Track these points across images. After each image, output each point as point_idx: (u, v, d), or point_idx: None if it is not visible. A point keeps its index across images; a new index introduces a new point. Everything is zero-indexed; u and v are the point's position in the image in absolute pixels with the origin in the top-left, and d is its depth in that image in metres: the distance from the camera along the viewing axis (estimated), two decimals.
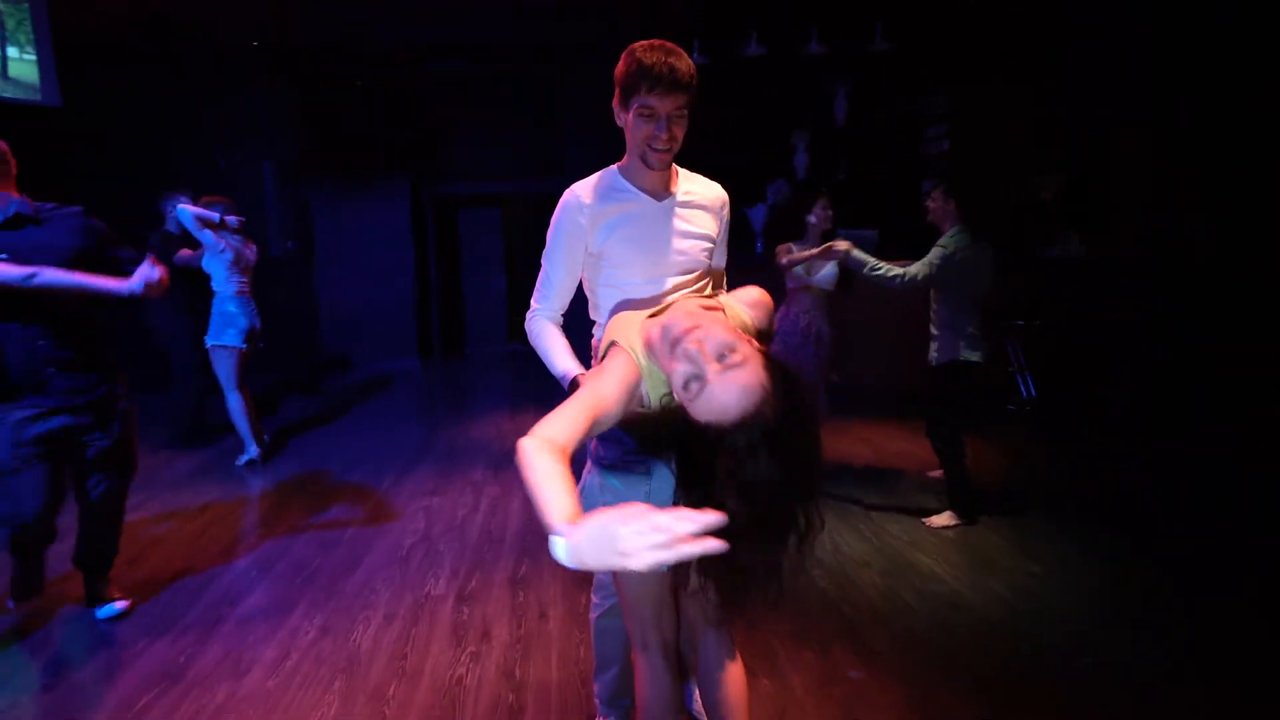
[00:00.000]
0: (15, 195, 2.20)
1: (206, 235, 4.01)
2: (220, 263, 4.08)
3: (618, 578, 1.47)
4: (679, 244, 1.54)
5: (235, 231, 4.14)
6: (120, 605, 2.57)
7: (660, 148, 1.44)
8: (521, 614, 2.59)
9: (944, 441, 3.33)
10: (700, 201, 1.58)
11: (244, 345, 4.14)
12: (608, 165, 1.58)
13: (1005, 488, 3.62)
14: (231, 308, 4.09)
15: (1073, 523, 3.32)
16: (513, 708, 2.06)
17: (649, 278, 1.52)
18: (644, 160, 1.48)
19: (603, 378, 1.21)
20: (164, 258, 4.18)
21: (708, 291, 1.59)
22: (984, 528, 3.26)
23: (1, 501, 2.18)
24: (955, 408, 3.34)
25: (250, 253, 4.25)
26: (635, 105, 1.43)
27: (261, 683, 2.18)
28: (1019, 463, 4.21)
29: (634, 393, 1.22)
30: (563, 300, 1.60)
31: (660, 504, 1.20)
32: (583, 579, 2.75)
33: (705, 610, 1.49)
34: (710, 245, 1.60)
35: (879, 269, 3.17)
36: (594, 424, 1.13)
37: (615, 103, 1.49)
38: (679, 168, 1.60)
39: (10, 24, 5.07)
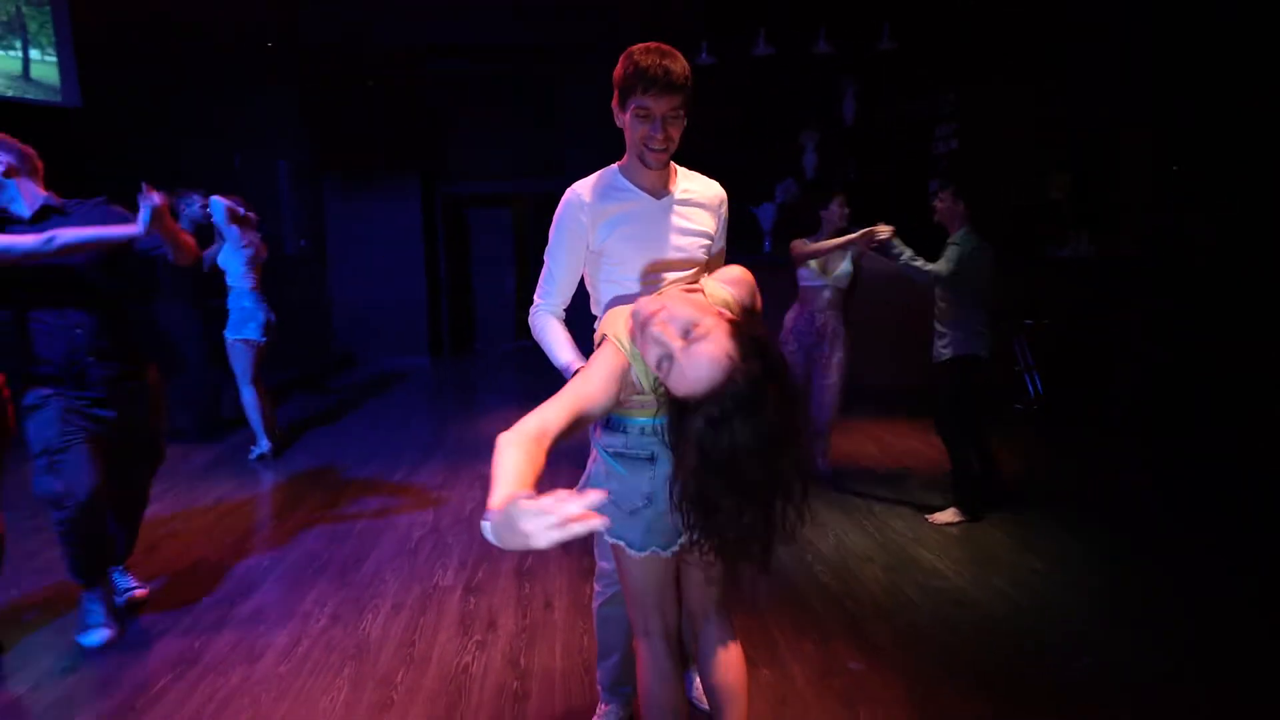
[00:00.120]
0: (42, 191, 2.27)
1: (233, 230, 4.10)
2: (240, 258, 4.16)
3: (620, 566, 1.50)
4: (677, 241, 1.58)
5: (254, 228, 4.24)
6: (138, 593, 2.64)
7: (657, 148, 1.48)
8: (527, 604, 2.64)
9: (951, 436, 3.35)
10: (698, 199, 1.62)
11: (264, 339, 4.22)
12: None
13: (1009, 485, 3.63)
14: (248, 302, 4.17)
15: (1075, 520, 3.33)
16: (517, 694, 2.11)
17: (648, 274, 1.56)
18: (642, 160, 1.52)
19: (589, 370, 1.26)
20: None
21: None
22: (987, 524, 3.28)
23: (54, 481, 2.21)
24: (963, 403, 3.36)
25: (264, 250, 4.33)
26: (632, 106, 1.47)
27: (274, 667, 2.24)
28: (1023, 460, 4.20)
29: (624, 380, 1.26)
30: (565, 296, 1.65)
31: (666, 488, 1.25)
32: (587, 570, 2.79)
33: (706, 592, 1.52)
34: (708, 242, 1.64)
35: (915, 260, 3.19)
36: (580, 414, 1.18)
37: (614, 104, 1.53)
38: (678, 166, 1.64)
39: (32, 27, 5.19)
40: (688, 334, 1.16)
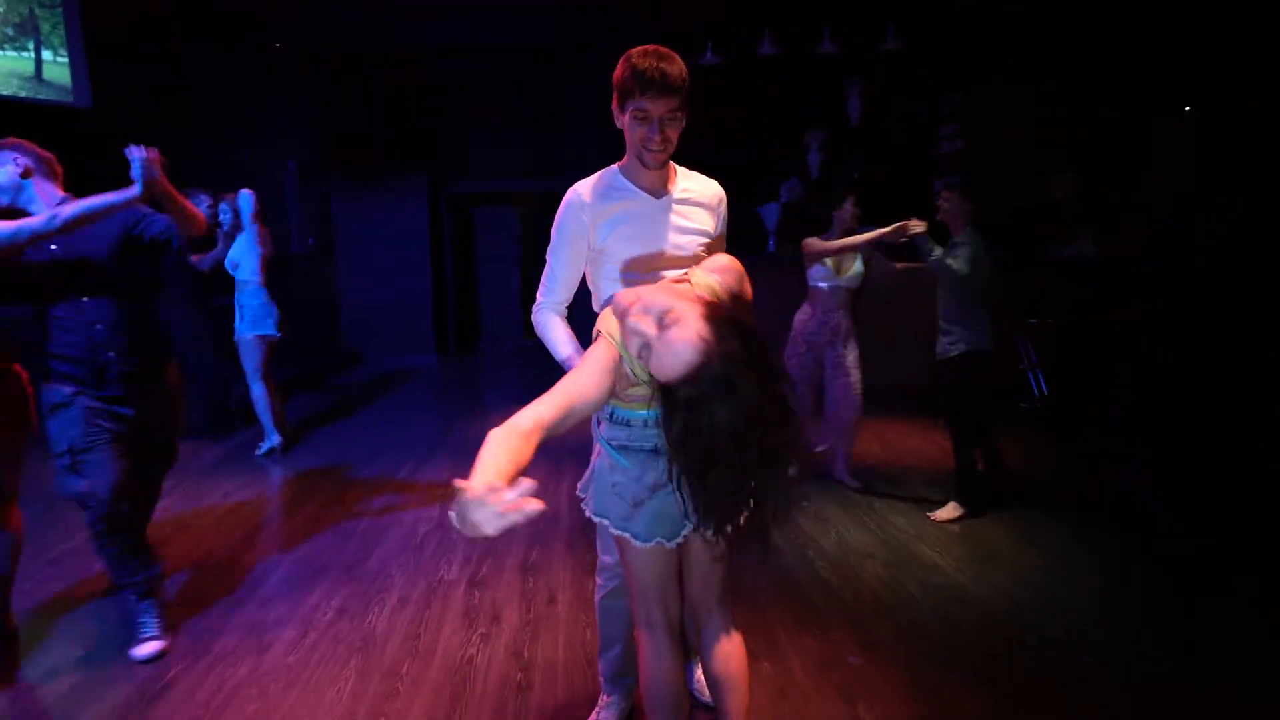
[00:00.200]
0: (60, 192, 2.31)
1: (254, 226, 4.18)
2: (256, 255, 4.23)
3: (625, 558, 1.53)
4: (677, 239, 1.61)
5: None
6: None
7: (655, 149, 1.51)
8: (531, 598, 2.67)
9: (957, 431, 3.39)
10: (697, 199, 1.65)
11: (280, 334, 4.29)
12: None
13: (1012, 482, 3.64)
14: (263, 298, 4.24)
15: (1077, 519, 3.34)
16: (521, 685, 2.14)
17: (648, 272, 1.59)
18: (641, 160, 1.55)
19: (582, 365, 1.31)
20: (183, 254, 4.36)
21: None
22: (989, 521, 3.29)
23: (77, 480, 2.22)
24: (969, 399, 3.39)
25: (273, 247, 4.41)
26: (631, 108, 1.50)
27: (282, 659, 2.28)
28: (1026, 458, 4.21)
29: (618, 372, 1.30)
30: (567, 294, 1.68)
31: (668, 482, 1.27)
32: (590, 565, 2.81)
33: (708, 583, 1.54)
34: (707, 240, 1.66)
35: (948, 259, 3.23)
36: (572, 407, 1.22)
37: (614, 106, 1.56)
38: (677, 166, 1.67)
39: (45, 28, 5.25)
40: (662, 321, 1.20)
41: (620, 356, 1.31)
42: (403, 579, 2.83)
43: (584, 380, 1.26)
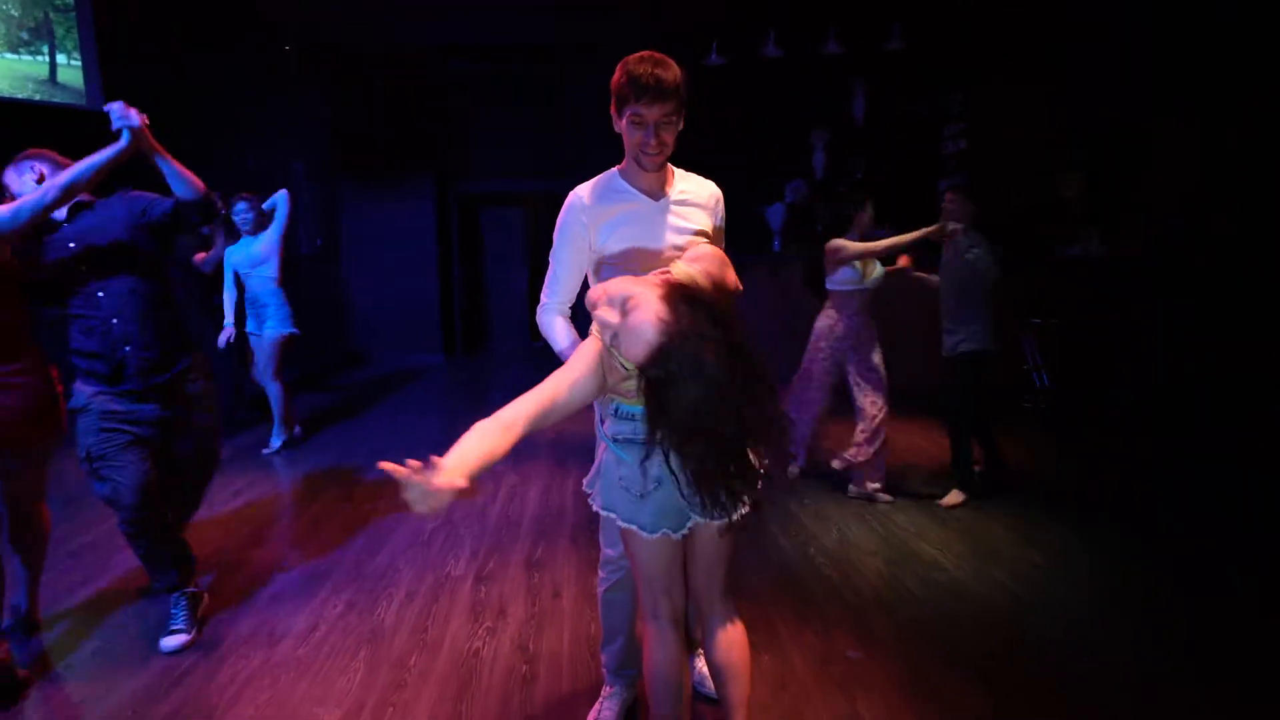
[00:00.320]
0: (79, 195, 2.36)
1: (283, 226, 4.30)
2: (278, 254, 4.32)
3: (631, 550, 1.57)
4: (675, 240, 1.65)
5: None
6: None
7: (651, 152, 1.56)
8: (536, 593, 2.71)
9: (957, 426, 3.45)
10: (694, 199, 1.69)
11: (299, 331, 4.41)
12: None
13: (1011, 481, 3.67)
14: (281, 297, 4.33)
15: (1078, 518, 3.35)
16: (526, 677, 2.18)
17: (647, 272, 1.63)
18: (638, 164, 1.60)
19: (571, 359, 1.38)
20: (187, 253, 4.44)
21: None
22: (989, 519, 3.32)
23: (101, 485, 2.26)
24: (971, 397, 3.44)
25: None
26: (627, 113, 1.54)
27: (293, 651, 2.33)
28: (1028, 457, 4.23)
29: (606, 365, 1.36)
30: (570, 294, 1.73)
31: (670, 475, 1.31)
32: (595, 561, 2.85)
33: (711, 575, 1.58)
34: (706, 239, 1.70)
35: (976, 256, 3.34)
36: (556, 400, 1.30)
37: (612, 111, 1.60)
38: (674, 168, 1.71)
39: (59, 32, 5.33)
40: (624, 308, 1.27)
41: (604, 348, 1.36)
42: (410, 574, 2.87)
43: (569, 372, 1.34)
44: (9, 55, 5.07)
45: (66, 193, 2.07)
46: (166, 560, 2.39)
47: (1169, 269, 4.99)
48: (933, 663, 2.24)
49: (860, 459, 3.50)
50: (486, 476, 3.99)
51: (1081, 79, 5.85)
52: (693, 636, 1.98)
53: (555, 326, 1.71)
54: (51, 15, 5.28)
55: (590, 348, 1.38)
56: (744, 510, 1.45)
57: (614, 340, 1.30)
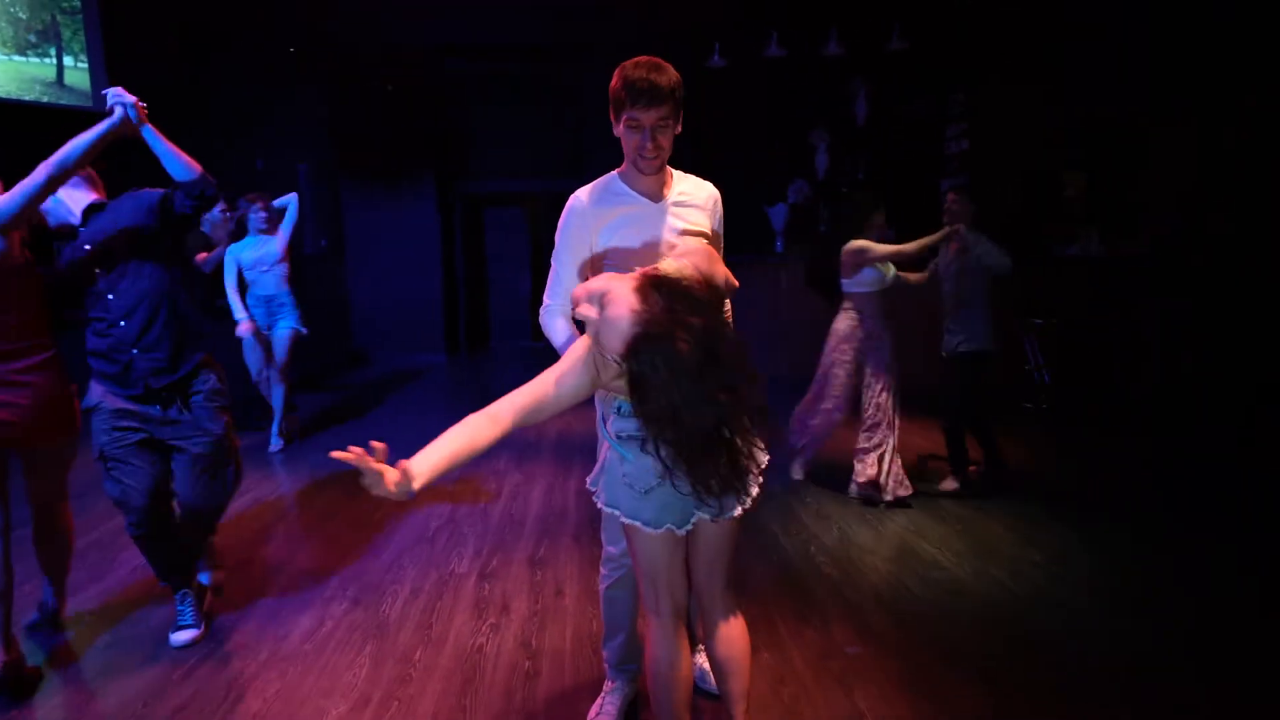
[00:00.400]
0: (92, 196, 2.39)
1: (293, 227, 4.37)
2: (288, 255, 4.39)
3: (634, 546, 1.59)
4: (674, 241, 1.68)
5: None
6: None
7: (648, 156, 1.59)
8: (539, 590, 2.74)
9: (954, 423, 3.50)
10: (693, 201, 1.72)
11: (306, 330, 4.50)
12: None
13: (1011, 480, 3.68)
14: (291, 297, 4.39)
15: (1077, 517, 3.37)
16: (528, 673, 2.21)
17: None
18: (637, 167, 1.63)
19: (563, 357, 1.44)
20: (191, 253, 4.48)
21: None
22: (989, 518, 3.34)
23: (112, 486, 2.28)
24: (971, 396, 3.47)
25: None
26: (624, 118, 1.58)
27: (299, 645, 2.36)
28: (1028, 457, 4.24)
29: (596, 362, 1.40)
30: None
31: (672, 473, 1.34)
32: (597, 559, 2.87)
33: (713, 570, 1.61)
34: (704, 240, 1.73)
35: (1003, 259, 3.41)
36: (546, 395, 1.37)
37: (610, 115, 1.63)
38: (673, 170, 1.74)
39: (66, 35, 5.38)
40: (600, 303, 1.31)
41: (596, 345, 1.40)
42: (415, 571, 2.91)
43: (557, 370, 1.39)
44: (16, 57, 5.11)
45: (60, 171, 2.04)
46: (172, 560, 2.43)
47: (1167, 268, 5.00)
48: (932, 660, 2.25)
49: (866, 477, 3.51)
50: (490, 476, 4.05)
51: (1079, 79, 5.87)
52: (694, 632, 2.01)
53: (557, 327, 1.74)
54: (59, 18, 5.33)
55: (580, 346, 1.42)
56: (747, 504, 1.48)
57: (596, 336, 1.34)
